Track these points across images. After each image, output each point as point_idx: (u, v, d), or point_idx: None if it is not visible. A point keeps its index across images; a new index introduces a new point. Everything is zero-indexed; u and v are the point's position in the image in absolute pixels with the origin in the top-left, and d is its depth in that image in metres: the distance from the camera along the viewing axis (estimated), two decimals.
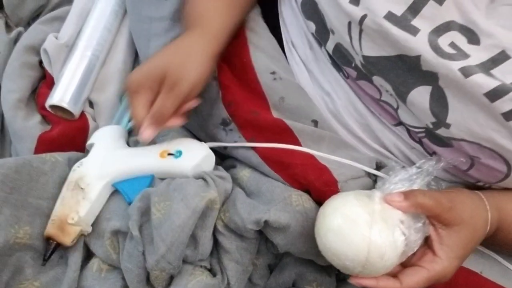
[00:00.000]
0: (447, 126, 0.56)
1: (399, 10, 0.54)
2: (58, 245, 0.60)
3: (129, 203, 0.62)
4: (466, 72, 0.52)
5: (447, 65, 0.52)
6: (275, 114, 0.66)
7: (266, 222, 0.59)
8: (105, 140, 0.69)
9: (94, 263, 0.61)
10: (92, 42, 0.80)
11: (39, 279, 0.60)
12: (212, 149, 0.66)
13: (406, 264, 0.55)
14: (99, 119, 0.78)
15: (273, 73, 0.68)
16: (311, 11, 0.63)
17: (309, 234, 0.58)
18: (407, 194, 0.53)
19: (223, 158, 0.72)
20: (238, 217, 0.60)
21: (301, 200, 0.61)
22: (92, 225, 0.62)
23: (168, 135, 0.69)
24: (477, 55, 0.52)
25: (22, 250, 0.59)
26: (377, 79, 0.59)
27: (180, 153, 0.64)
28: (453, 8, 0.53)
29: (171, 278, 0.61)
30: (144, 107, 0.60)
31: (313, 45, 0.69)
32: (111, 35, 0.82)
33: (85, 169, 0.64)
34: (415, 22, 0.54)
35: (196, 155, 0.64)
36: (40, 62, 0.80)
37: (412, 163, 0.66)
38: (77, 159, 0.66)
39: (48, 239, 0.60)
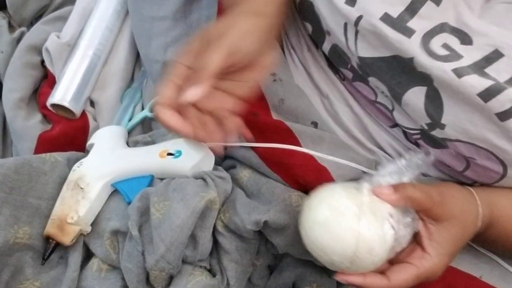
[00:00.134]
0: (442, 126, 0.54)
1: (396, 11, 0.53)
2: (58, 245, 0.60)
3: (129, 203, 0.61)
4: (459, 73, 0.51)
5: (440, 67, 0.51)
6: (275, 116, 0.65)
7: (265, 222, 0.58)
8: (105, 140, 0.68)
9: (94, 263, 0.61)
10: (94, 42, 0.79)
11: (39, 279, 0.59)
12: (212, 150, 0.65)
13: (394, 261, 0.52)
14: (100, 119, 0.77)
15: (273, 74, 0.67)
16: (307, 12, 0.62)
17: None
18: (396, 187, 0.50)
19: (223, 158, 0.71)
20: (237, 218, 0.59)
21: (301, 200, 0.60)
22: (92, 225, 0.62)
23: (168, 135, 0.68)
24: (470, 55, 0.51)
25: (22, 250, 0.59)
26: (372, 80, 0.58)
27: (179, 153, 0.63)
28: (449, 9, 0.53)
29: (171, 278, 0.61)
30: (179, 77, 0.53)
31: (310, 47, 0.68)
32: (113, 34, 0.82)
33: (85, 169, 0.63)
34: (412, 23, 0.53)
35: (195, 155, 0.63)
36: (42, 62, 0.80)
37: None
38: (77, 159, 0.65)
39: (47, 239, 0.60)
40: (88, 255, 0.62)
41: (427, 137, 0.59)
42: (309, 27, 0.63)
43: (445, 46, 0.52)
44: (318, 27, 0.61)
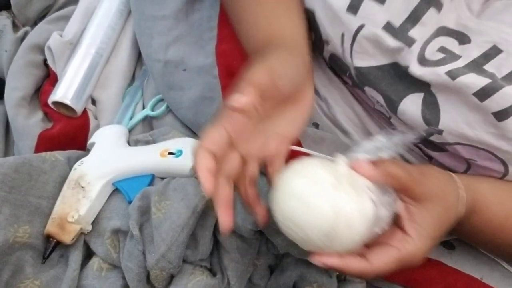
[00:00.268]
0: (440, 132, 0.53)
1: (398, 20, 0.52)
2: (58, 243, 0.59)
3: (129, 202, 0.60)
4: (453, 74, 0.49)
5: (434, 71, 0.50)
6: None
7: None
8: (106, 139, 0.67)
9: (94, 262, 0.60)
10: (96, 40, 0.78)
11: (39, 278, 0.58)
12: None
13: (373, 245, 0.47)
14: (101, 117, 0.76)
15: None
16: (309, 21, 0.60)
17: None
18: (375, 162, 0.45)
19: None
20: (238, 217, 0.58)
21: None
22: (93, 224, 0.61)
23: (169, 134, 0.68)
24: (468, 53, 0.50)
25: (22, 249, 0.58)
26: (368, 90, 0.57)
27: (180, 152, 0.62)
28: (450, 14, 0.51)
29: (171, 278, 0.60)
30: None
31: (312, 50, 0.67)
32: (115, 33, 0.81)
33: (86, 168, 0.62)
34: (413, 32, 0.52)
35: None
36: (45, 61, 0.79)
37: None
38: (77, 158, 0.64)
39: (48, 238, 0.59)
40: (88, 254, 0.62)
41: (426, 142, 0.58)
42: (312, 35, 0.61)
43: (442, 49, 0.51)
44: (318, 35, 0.59)
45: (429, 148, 0.59)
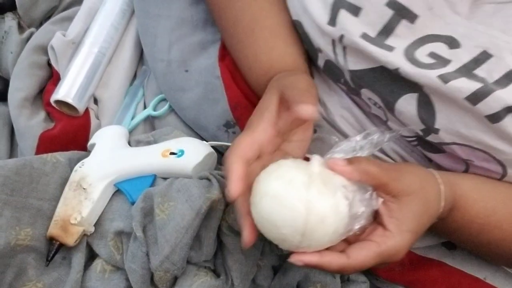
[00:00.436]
0: (436, 131, 0.52)
1: (373, 32, 0.51)
2: (61, 246, 0.58)
3: (132, 203, 0.59)
4: (445, 78, 0.48)
5: (426, 74, 0.49)
6: None
7: None
8: (106, 140, 0.66)
9: (97, 264, 0.58)
10: (99, 39, 0.77)
11: (42, 280, 0.57)
12: (215, 149, 0.63)
13: (354, 242, 0.48)
14: (102, 116, 0.75)
15: None
16: (300, 31, 0.60)
17: None
18: (350, 160, 0.46)
19: None
20: None
21: None
22: (95, 225, 0.60)
23: (171, 134, 0.66)
24: (459, 58, 0.49)
25: (24, 252, 0.57)
26: (365, 92, 0.56)
27: (182, 152, 0.61)
28: (431, 22, 0.50)
29: (175, 279, 0.59)
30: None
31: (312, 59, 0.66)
32: (118, 33, 0.80)
33: (87, 169, 0.61)
34: (389, 41, 0.51)
35: (198, 154, 0.61)
36: (49, 62, 0.78)
37: None
38: (79, 159, 0.63)
39: (51, 240, 0.58)
40: (91, 255, 0.60)
41: (424, 143, 0.57)
42: (304, 44, 0.62)
43: (431, 54, 0.50)
44: (310, 45, 0.59)
45: (427, 149, 0.58)
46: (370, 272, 0.66)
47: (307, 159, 0.48)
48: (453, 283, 0.63)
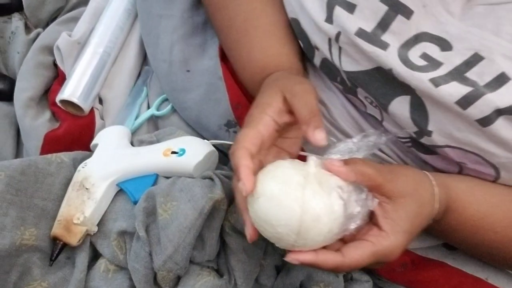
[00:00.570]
0: (429, 133, 0.52)
1: (369, 26, 0.51)
2: (65, 245, 0.58)
3: (134, 203, 0.59)
4: (436, 82, 0.48)
5: (418, 77, 0.49)
6: None
7: None
8: (108, 140, 0.66)
9: (101, 264, 0.58)
10: (104, 39, 0.76)
11: (47, 279, 0.57)
12: (216, 148, 0.63)
13: (349, 241, 0.48)
14: (107, 116, 0.75)
15: None
16: (296, 29, 0.60)
17: None
18: (346, 161, 0.47)
19: (229, 158, 0.68)
20: None
21: None
22: (98, 225, 0.59)
23: (174, 134, 0.66)
24: (450, 60, 0.49)
25: (29, 251, 0.57)
26: (361, 91, 0.56)
27: (183, 151, 0.61)
28: (425, 19, 0.50)
29: (178, 279, 0.58)
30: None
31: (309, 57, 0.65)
32: (123, 33, 0.79)
33: (90, 169, 0.61)
34: (385, 37, 0.51)
35: (199, 153, 0.60)
36: (55, 62, 0.78)
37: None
38: (83, 159, 0.63)
39: (54, 240, 0.58)
40: (95, 255, 0.60)
41: (417, 145, 0.57)
42: (301, 43, 0.61)
43: (424, 56, 0.50)
44: (307, 43, 0.59)
45: (421, 151, 0.57)
46: (372, 272, 0.66)
47: (304, 159, 0.49)
48: (455, 283, 0.63)
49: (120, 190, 0.62)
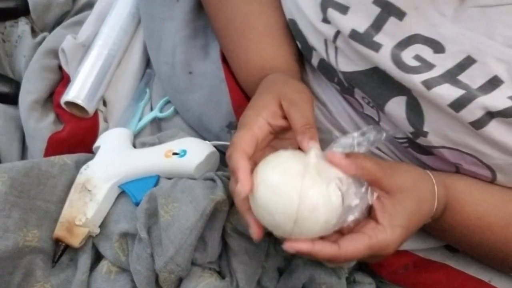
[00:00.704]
0: (425, 134, 0.51)
1: (362, 27, 0.51)
2: (67, 247, 0.58)
3: (136, 204, 0.59)
4: (428, 84, 0.48)
5: (411, 80, 0.48)
6: None
7: None
8: (111, 142, 0.66)
9: (103, 265, 0.58)
10: (109, 42, 0.76)
11: (49, 281, 0.57)
12: (217, 149, 0.63)
13: (346, 233, 0.48)
14: (111, 118, 0.75)
15: None
16: (294, 30, 0.60)
17: None
18: (348, 154, 0.47)
19: None
20: None
21: None
22: (100, 227, 0.59)
23: (176, 136, 0.66)
24: (443, 63, 0.48)
25: (32, 253, 0.57)
26: (358, 92, 0.56)
27: (184, 152, 0.61)
28: (417, 21, 0.49)
29: (180, 280, 0.58)
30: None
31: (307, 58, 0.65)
32: (127, 36, 0.79)
33: (92, 171, 0.61)
34: (378, 38, 0.50)
35: (200, 154, 0.60)
36: (60, 65, 0.79)
37: None
38: (86, 161, 0.63)
39: (57, 241, 0.58)
40: (97, 257, 0.60)
41: (414, 145, 0.56)
42: (298, 44, 0.61)
43: (417, 57, 0.49)
44: (305, 43, 0.59)
45: (417, 151, 0.57)
46: (374, 273, 0.65)
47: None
48: (457, 285, 0.63)
49: (122, 192, 0.62)
